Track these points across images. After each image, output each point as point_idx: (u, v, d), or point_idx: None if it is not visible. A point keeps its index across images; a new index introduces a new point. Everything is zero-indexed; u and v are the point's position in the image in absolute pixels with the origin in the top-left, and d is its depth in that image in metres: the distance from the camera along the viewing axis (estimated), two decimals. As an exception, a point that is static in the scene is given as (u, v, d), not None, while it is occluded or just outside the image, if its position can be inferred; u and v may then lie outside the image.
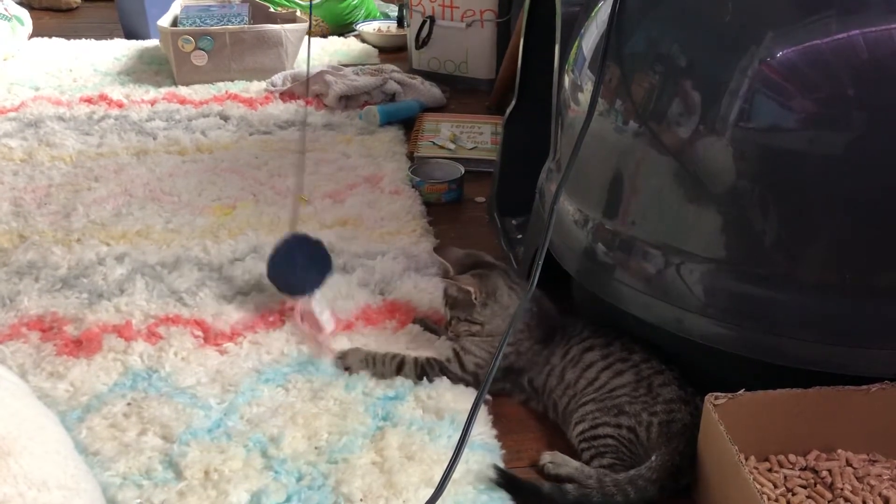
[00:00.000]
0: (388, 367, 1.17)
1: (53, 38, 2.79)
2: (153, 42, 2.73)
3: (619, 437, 1.01)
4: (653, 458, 0.98)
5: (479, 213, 1.71)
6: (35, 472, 0.82)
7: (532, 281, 1.05)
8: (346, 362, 1.19)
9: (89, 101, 2.22)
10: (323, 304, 1.28)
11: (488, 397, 1.13)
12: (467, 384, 1.15)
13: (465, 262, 1.22)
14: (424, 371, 1.16)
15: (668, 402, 1.03)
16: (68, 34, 2.84)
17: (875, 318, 0.96)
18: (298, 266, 1.31)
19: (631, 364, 1.08)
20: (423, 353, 1.20)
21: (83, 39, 2.79)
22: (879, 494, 0.92)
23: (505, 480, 0.98)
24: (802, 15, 0.95)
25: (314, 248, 1.33)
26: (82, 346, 1.22)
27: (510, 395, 1.16)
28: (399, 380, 1.15)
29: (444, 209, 1.72)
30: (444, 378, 1.15)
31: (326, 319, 1.26)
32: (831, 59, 0.93)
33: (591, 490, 0.95)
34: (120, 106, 2.20)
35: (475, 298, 1.16)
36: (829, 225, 0.95)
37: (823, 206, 0.94)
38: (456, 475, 0.95)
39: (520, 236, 1.53)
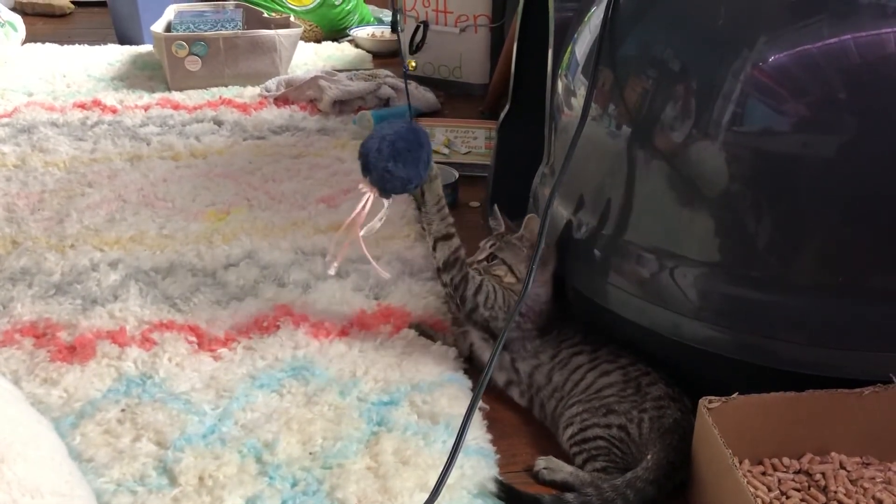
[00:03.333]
0: (437, 225, 1.19)
1: (47, 44, 2.79)
2: (147, 47, 2.73)
3: (609, 438, 1.01)
4: (648, 456, 0.98)
5: (474, 218, 1.71)
6: (28, 479, 0.82)
7: (526, 284, 1.05)
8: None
9: (83, 106, 2.22)
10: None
11: (484, 406, 1.13)
12: (458, 306, 1.18)
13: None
14: (451, 265, 1.17)
15: (657, 399, 1.03)
16: (62, 39, 2.84)
17: (868, 320, 0.96)
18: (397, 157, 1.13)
19: (618, 366, 1.08)
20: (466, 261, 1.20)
21: (77, 45, 2.79)
22: (873, 497, 0.92)
23: (505, 493, 0.98)
24: (794, 19, 0.96)
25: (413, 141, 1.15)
26: (76, 352, 1.21)
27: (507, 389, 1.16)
28: (394, 385, 1.15)
29: (438, 214, 1.72)
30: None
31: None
32: (823, 63, 0.93)
33: (590, 497, 0.94)
34: (113, 111, 2.20)
35: (527, 237, 1.18)
36: (821, 228, 0.96)
37: (816, 209, 0.95)
38: (451, 480, 0.95)
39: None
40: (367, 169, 1.14)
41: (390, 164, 1.11)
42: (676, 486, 0.98)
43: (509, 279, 1.18)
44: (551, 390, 1.10)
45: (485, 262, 1.20)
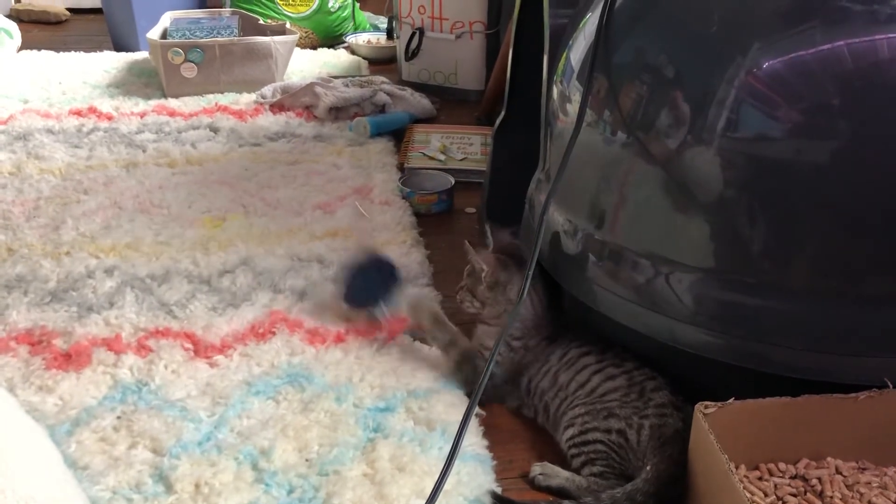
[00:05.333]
0: (442, 336, 1.20)
1: (42, 51, 2.78)
2: (143, 54, 2.73)
3: (608, 443, 1.01)
4: (647, 467, 0.97)
5: (470, 224, 1.72)
6: (23, 487, 0.82)
7: (522, 290, 1.05)
8: (421, 315, 1.23)
9: (78, 113, 2.22)
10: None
11: (480, 412, 1.13)
12: (490, 384, 1.15)
13: (503, 247, 1.24)
14: (464, 359, 1.18)
15: (660, 406, 1.03)
16: (57, 47, 2.83)
17: (863, 325, 0.97)
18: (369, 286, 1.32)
19: (624, 370, 1.08)
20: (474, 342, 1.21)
21: (72, 52, 2.78)
22: (869, 502, 0.92)
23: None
24: (787, 26, 0.96)
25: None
26: (71, 359, 1.21)
27: (504, 402, 1.16)
28: (390, 391, 1.15)
29: (434, 220, 1.72)
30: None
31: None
32: (816, 69, 0.94)
33: None
34: (109, 118, 2.20)
35: (484, 277, 1.18)
36: (816, 233, 0.96)
37: (810, 214, 0.95)
38: (447, 486, 0.95)
39: (510, 246, 1.53)
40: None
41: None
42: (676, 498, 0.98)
43: (476, 305, 1.21)
44: (556, 390, 1.10)
45: (462, 291, 1.23)
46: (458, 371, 1.18)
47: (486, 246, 1.28)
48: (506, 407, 1.16)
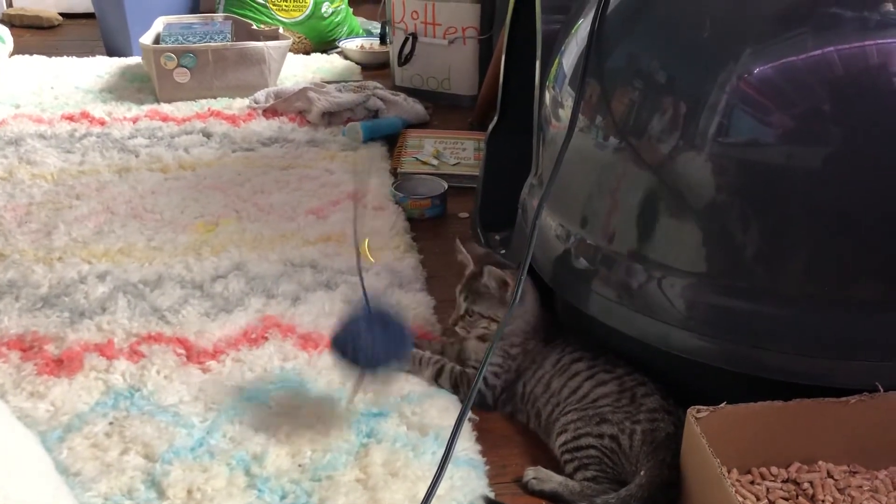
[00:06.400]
0: (428, 370, 1.18)
1: (35, 56, 2.78)
2: (135, 59, 2.72)
3: (601, 448, 1.01)
4: (641, 472, 0.98)
5: (463, 229, 1.72)
6: (14, 494, 0.81)
7: (515, 295, 1.05)
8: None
9: (71, 118, 2.21)
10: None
11: (473, 417, 1.13)
12: (490, 397, 1.16)
13: (481, 257, 1.21)
14: (457, 383, 1.17)
15: (651, 411, 1.03)
16: (50, 52, 2.83)
17: (854, 330, 0.97)
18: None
19: (615, 376, 1.08)
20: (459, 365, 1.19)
21: (65, 57, 2.77)
22: (860, 505, 0.93)
23: None
24: (779, 32, 0.97)
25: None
26: (63, 365, 1.21)
27: (502, 408, 1.16)
28: (382, 396, 1.15)
29: (427, 225, 1.72)
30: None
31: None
32: (807, 75, 0.94)
33: None
34: (102, 123, 2.19)
35: (508, 294, 1.13)
36: (807, 238, 0.96)
37: (802, 219, 0.96)
38: (440, 491, 0.95)
39: (503, 251, 1.53)
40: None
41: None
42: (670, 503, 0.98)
43: (494, 326, 1.15)
44: (548, 396, 1.10)
45: (467, 317, 1.17)
46: (456, 392, 1.17)
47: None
48: (499, 412, 1.16)
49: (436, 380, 1.17)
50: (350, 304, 1.11)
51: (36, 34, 3.25)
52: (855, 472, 0.98)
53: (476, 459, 1.06)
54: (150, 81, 2.43)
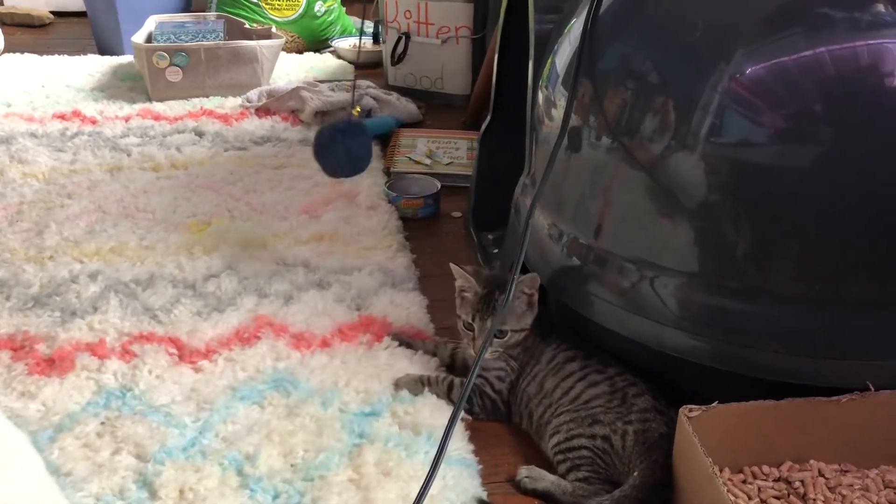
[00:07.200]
0: (440, 387, 1.16)
1: (26, 54, 2.77)
2: (127, 58, 2.71)
3: (593, 449, 1.01)
4: (634, 474, 0.98)
5: (456, 228, 1.72)
6: (4, 493, 0.81)
7: (508, 294, 1.05)
8: (403, 387, 1.17)
9: (62, 117, 2.20)
10: None
11: (466, 416, 1.13)
12: (500, 402, 1.15)
13: (493, 280, 1.17)
14: (470, 395, 1.14)
15: (643, 411, 1.04)
16: (41, 50, 2.82)
17: (845, 329, 0.98)
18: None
19: (606, 376, 1.08)
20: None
21: (56, 55, 2.76)
22: (851, 504, 0.93)
23: None
24: (771, 32, 0.97)
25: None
26: (54, 364, 1.20)
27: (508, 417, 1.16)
28: (375, 396, 1.15)
29: (420, 224, 1.72)
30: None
31: None
32: (799, 75, 0.94)
33: None
34: (93, 122, 2.18)
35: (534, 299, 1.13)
36: (799, 238, 0.97)
37: (794, 219, 0.96)
38: (433, 491, 0.94)
39: (496, 251, 1.53)
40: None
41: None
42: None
43: (517, 337, 1.14)
44: (541, 397, 1.10)
45: (473, 347, 1.13)
46: (469, 404, 1.15)
47: (474, 253, 1.25)
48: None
49: (448, 396, 1.16)
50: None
51: (27, 32, 3.24)
52: (846, 471, 0.99)
53: (469, 459, 1.06)
54: (142, 80, 2.42)
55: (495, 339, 1.12)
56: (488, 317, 1.12)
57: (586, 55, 1.09)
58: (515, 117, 1.37)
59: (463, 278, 1.16)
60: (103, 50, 2.85)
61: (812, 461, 0.99)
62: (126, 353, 1.23)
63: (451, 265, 1.17)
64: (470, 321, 1.14)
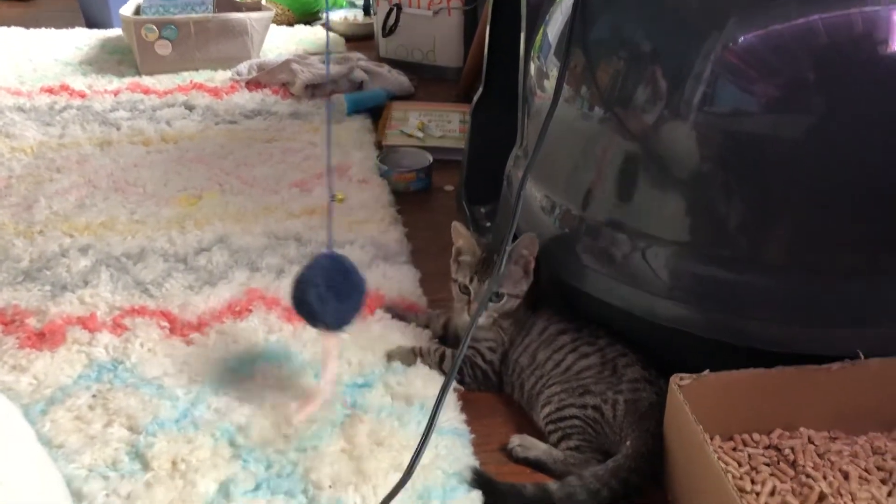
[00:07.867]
0: (432, 357, 1.16)
1: (12, 28, 2.74)
2: (116, 31, 2.68)
3: (584, 418, 1.02)
4: (627, 443, 0.98)
5: (448, 202, 1.71)
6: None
7: (499, 266, 1.05)
8: (395, 358, 1.18)
9: (50, 91, 2.18)
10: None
11: (458, 387, 1.14)
12: (492, 372, 1.15)
13: (491, 246, 1.18)
14: (460, 365, 1.14)
15: (633, 381, 1.04)
16: (28, 23, 2.78)
17: (835, 298, 0.98)
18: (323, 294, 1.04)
19: (597, 348, 1.09)
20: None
21: (43, 29, 2.73)
22: (840, 470, 0.94)
23: (483, 484, 0.97)
24: (763, 0, 0.96)
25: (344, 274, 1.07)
26: (46, 338, 1.20)
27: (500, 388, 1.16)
28: (368, 367, 1.15)
29: (412, 198, 1.72)
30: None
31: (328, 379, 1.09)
32: (792, 43, 0.94)
33: (573, 488, 0.94)
34: (82, 96, 2.16)
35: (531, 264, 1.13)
36: (790, 207, 0.97)
37: (785, 188, 0.96)
38: (425, 460, 0.95)
39: (489, 224, 1.53)
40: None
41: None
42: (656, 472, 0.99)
43: (514, 302, 1.15)
44: (532, 368, 1.11)
45: (468, 312, 1.14)
46: (460, 374, 1.15)
47: (466, 226, 1.25)
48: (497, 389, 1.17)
49: (440, 367, 1.16)
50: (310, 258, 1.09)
51: (13, 6, 3.19)
52: (835, 438, 0.99)
53: (461, 429, 1.06)
54: (131, 53, 2.39)
55: (490, 304, 1.12)
56: (486, 279, 1.12)
57: (578, 25, 1.08)
58: (507, 89, 1.36)
59: (465, 238, 1.17)
60: (91, 23, 2.81)
61: (802, 428, 1.00)
62: (117, 327, 1.23)
63: (454, 224, 1.18)
64: (467, 283, 1.14)
